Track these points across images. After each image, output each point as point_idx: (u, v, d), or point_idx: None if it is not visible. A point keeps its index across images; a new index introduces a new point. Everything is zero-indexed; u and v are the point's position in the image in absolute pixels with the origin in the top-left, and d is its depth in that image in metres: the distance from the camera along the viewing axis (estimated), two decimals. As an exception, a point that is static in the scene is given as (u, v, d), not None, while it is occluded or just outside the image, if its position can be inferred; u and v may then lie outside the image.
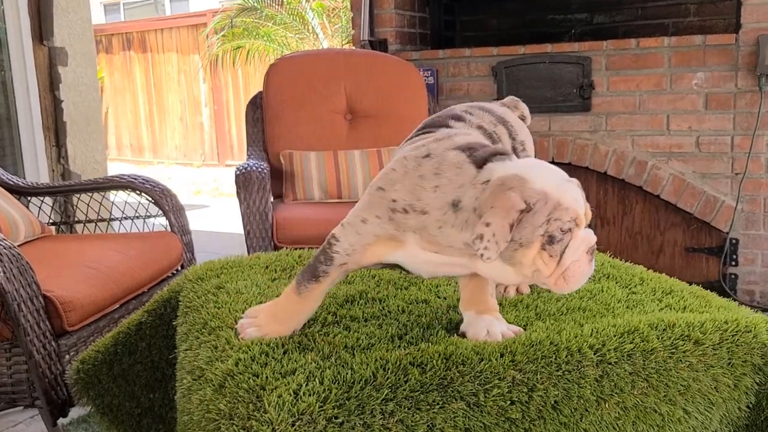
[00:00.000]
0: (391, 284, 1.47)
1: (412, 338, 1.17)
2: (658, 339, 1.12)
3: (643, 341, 1.11)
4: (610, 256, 1.70)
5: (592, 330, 1.14)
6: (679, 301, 1.32)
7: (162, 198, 2.51)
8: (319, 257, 1.15)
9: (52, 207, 3.15)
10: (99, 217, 3.13)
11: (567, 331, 1.15)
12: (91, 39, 4.61)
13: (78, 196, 3.11)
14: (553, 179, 1.06)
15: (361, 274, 1.53)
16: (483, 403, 1.01)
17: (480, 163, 1.08)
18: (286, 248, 2.28)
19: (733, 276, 3.49)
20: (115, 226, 3.18)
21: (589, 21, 4.36)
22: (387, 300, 1.36)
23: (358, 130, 3.39)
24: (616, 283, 1.46)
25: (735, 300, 3.49)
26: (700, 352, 1.11)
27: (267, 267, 1.59)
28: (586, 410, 1.06)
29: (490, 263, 1.03)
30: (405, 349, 1.11)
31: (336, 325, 1.25)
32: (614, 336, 1.13)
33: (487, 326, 1.17)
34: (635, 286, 1.43)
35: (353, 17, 4.26)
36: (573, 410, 1.05)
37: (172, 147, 9.33)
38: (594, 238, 1.07)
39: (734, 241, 3.46)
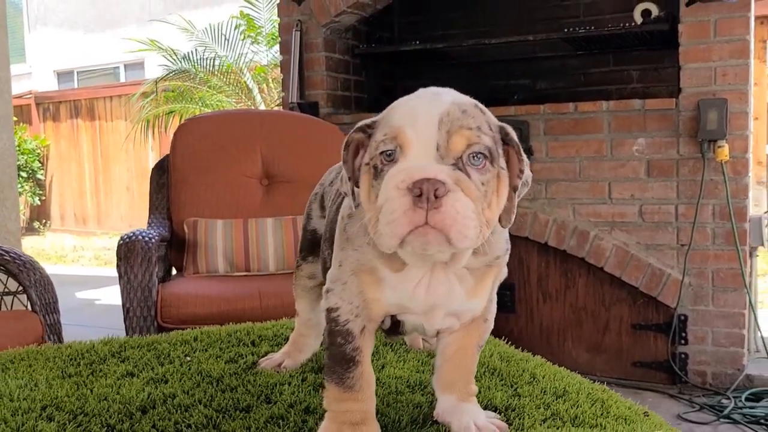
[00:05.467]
0: (213, 384, 1.15)
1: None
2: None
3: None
4: (509, 345, 1.39)
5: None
6: (570, 409, 1.02)
7: (22, 272, 2.17)
8: (335, 340, 0.94)
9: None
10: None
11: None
12: (8, 101, 4.33)
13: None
14: (412, 96, 0.88)
15: (178, 370, 1.20)
16: None
17: None
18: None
19: (683, 355, 3.20)
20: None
21: (531, 87, 4.20)
22: (195, 407, 1.04)
23: (275, 196, 3.10)
24: (501, 380, 1.16)
25: (687, 382, 3.19)
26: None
27: (72, 359, 1.26)
28: None
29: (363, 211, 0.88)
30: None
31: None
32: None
33: (474, 418, 0.99)
34: (522, 386, 1.13)
35: (283, 79, 4.05)
36: None
37: (117, 217, 8.94)
38: (424, 174, 0.78)
39: (683, 318, 3.19)
